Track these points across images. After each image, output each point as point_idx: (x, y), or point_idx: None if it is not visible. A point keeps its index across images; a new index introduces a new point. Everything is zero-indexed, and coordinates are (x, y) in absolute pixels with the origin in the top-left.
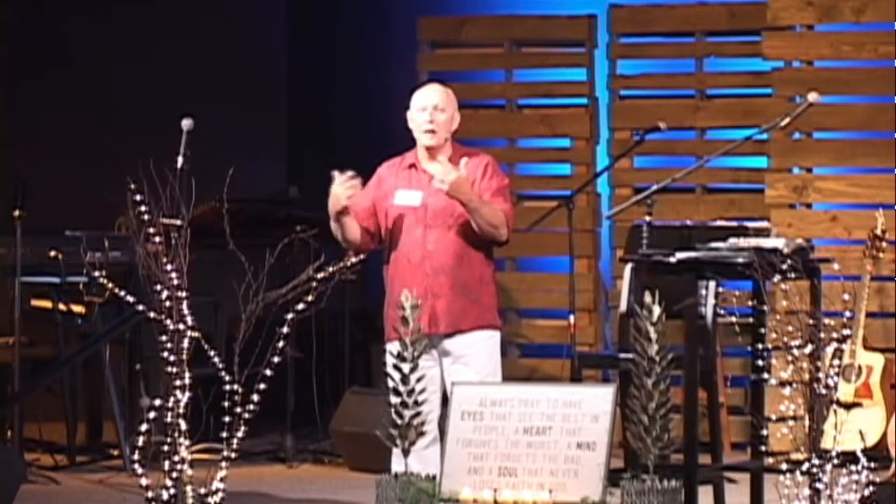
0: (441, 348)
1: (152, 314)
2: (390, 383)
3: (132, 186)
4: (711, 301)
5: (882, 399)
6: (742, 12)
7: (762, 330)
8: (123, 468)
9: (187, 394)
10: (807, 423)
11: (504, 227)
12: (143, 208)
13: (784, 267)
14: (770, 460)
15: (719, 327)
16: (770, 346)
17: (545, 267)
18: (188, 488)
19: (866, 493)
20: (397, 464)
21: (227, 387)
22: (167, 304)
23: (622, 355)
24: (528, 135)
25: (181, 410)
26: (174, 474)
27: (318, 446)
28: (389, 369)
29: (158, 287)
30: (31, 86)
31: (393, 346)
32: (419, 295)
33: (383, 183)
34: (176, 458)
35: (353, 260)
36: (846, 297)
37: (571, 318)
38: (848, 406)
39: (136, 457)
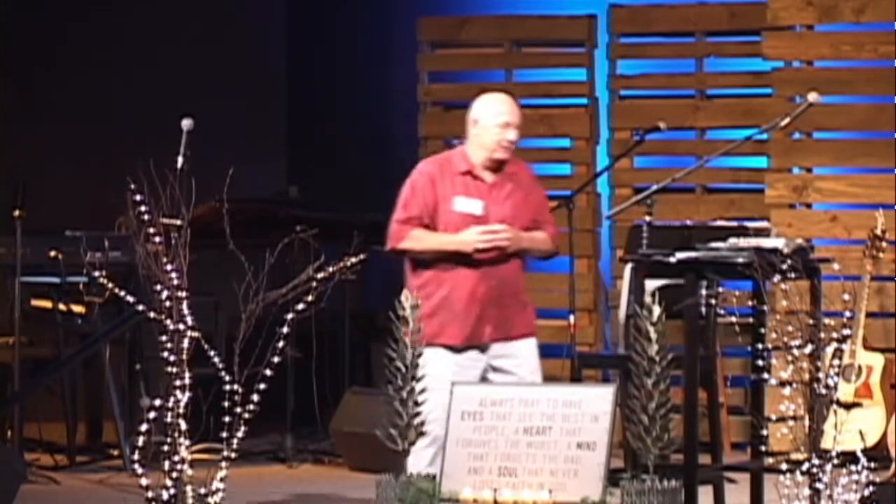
0: (490, 354)
1: (152, 314)
2: (431, 384)
3: (132, 186)
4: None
5: (882, 399)
6: (742, 12)
7: (762, 330)
8: (123, 468)
9: (187, 394)
10: (807, 423)
11: (553, 245)
12: (143, 208)
13: (784, 267)
14: (770, 460)
15: (719, 327)
16: (770, 346)
17: (545, 267)
18: (188, 488)
19: (866, 493)
20: (413, 465)
21: (227, 387)
22: (167, 304)
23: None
24: (528, 135)
25: (181, 410)
26: (174, 474)
27: (318, 446)
28: (435, 370)
29: (158, 287)
30: (30, 86)
31: (436, 351)
32: (479, 303)
33: (437, 186)
34: (176, 458)
35: (353, 260)
36: (846, 297)
37: (571, 318)
38: (848, 406)
39: (136, 457)
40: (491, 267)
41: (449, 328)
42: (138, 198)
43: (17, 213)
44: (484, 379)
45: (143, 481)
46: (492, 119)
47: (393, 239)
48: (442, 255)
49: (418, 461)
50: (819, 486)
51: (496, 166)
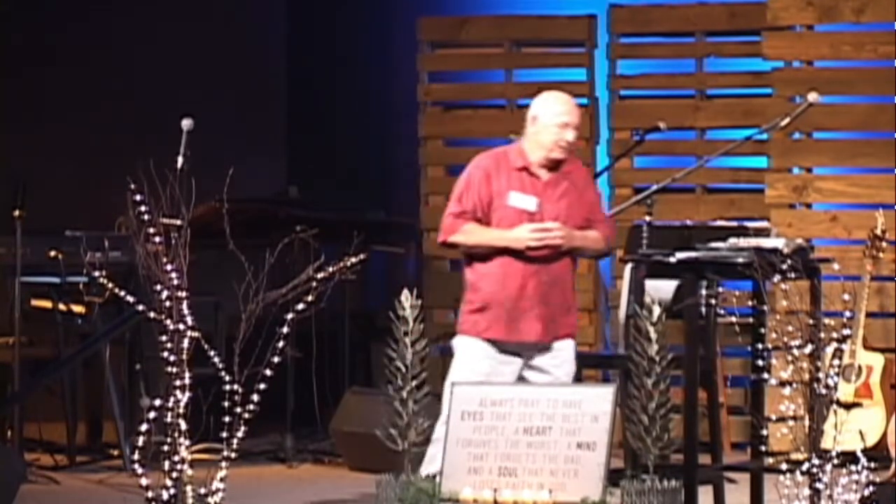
0: (530, 352)
1: (152, 314)
2: (469, 378)
3: (132, 186)
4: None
5: (882, 399)
6: (742, 12)
7: (762, 330)
8: (123, 468)
9: (187, 394)
10: (807, 423)
11: (605, 244)
12: (143, 208)
13: (784, 267)
14: (770, 460)
15: (719, 327)
16: (770, 346)
17: None
18: (188, 488)
19: (866, 493)
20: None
21: (227, 387)
22: (167, 304)
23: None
24: None
25: (181, 410)
26: (174, 474)
27: (318, 446)
28: (474, 364)
29: (158, 287)
30: (31, 86)
31: (478, 343)
32: (528, 300)
33: (492, 181)
34: (176, 458)
35: (353, 260)
36: (846, 297)
37: None
38: (848, 406)
39: (136, 457)
40: (543, 265)
41: (495, 323)
42: (138, 198)
43: (17, 213)
44: (520, 377)
45: (143, 481)
46: (551, 118)
47: (446, 232)
48: (494, 250)
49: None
50: (819, 486)
51: (552, 165)
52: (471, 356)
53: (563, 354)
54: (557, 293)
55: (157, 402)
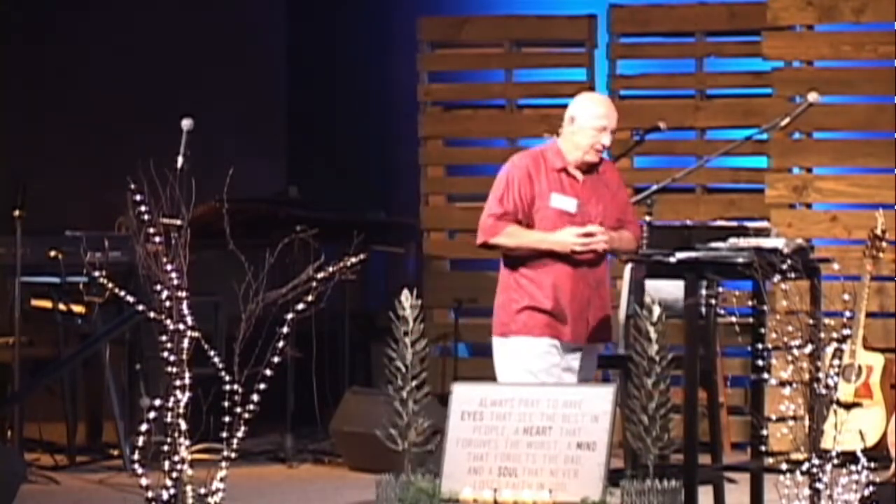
0: (571, 354)
1: (152, 314)
2: (521, 376)
3: (132, 186)
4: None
5: (882, 399)
6: (742, 12)
7: (762, 330)
8: (123, 468)
9: (187, 394)
10: (807, 423)
11: (638, 243)
12: (143, 208)
13: (784, 267)
14: (770, 460)
15: (719, 327)
16: (770, 346)
17: None
18: (188, 488)
19: (866, 493)
20: None
21: (227, 387)
22: (167, 304)
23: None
24: (528, 135)
25: (181, 410)
26: (174, 474)
27: (318, 446)
28: (530, 364)
29: (158, 287)
30: (31, 86)
31: (529, 342)
32: (579, 303)
33: (534, 182)
34: (176, 458)
35: (353, 260)
36: (846, 297)
37: None
38: (848, 406)
39: (136, 457)
40: (589, 268)
41: (543, 323)
42: (138, 198)
43: (17, 213)
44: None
45: (143, 481)
46: (589, 121)
47: (486, 233)
48: (536, 252)
49: None
50: (819, 486)
51: (587, 167)
52: (524, 356)
53: (592, 354)
54: (598, 296)
55: (157, 402)
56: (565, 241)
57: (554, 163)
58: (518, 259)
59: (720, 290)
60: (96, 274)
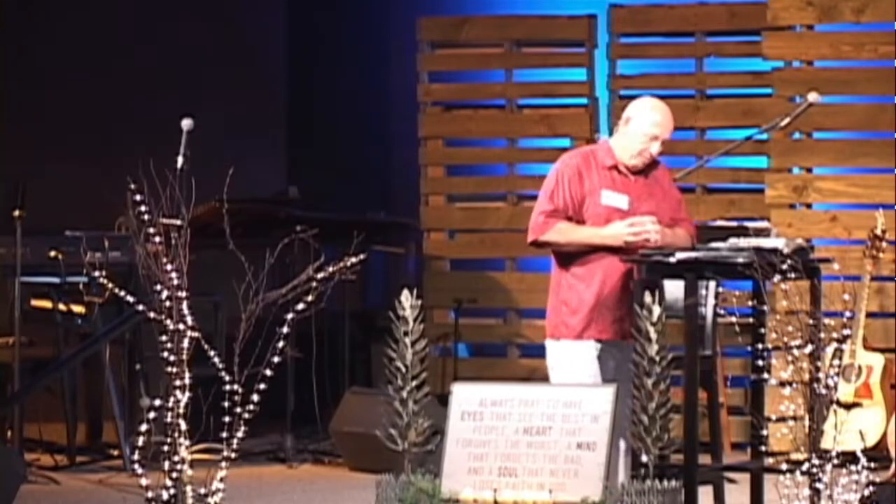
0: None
1: (152, 314)
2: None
3: (132, 186)
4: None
5: (882, 399)
6: (742, 12)
7: (762, 330)
8: (123, 468)
9: (187, 394)
10: (807, 423)
11: (693, 241)
12: (143, 208)
13: (784, 267)
14: (770, 460)
15: (719, 327)
16: (770, 346)
17: (545, 267)
18: (188, 488)
19: (866, 493)
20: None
21: (227, 387)
22: (167, 304)
23: None
24: (528, 135)
25: (181, 410)
26: (174, 474)
27: (318, 446)
28: (585, 367)
29: (158, 287)
30: (30, 86)
31: (583, 346)
32: (627, 301)
33: (584, 179)
34: (176, 458)
35: (353, 260)
36: (846, 297)
37: None
38: (848, 406)
39: (136, 457)
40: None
41: (597, 324)
42: (138, 198)
43: (17, 213)
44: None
45: (143, 481)
46: (643, 126)
47: (536, 231)
48: (585, 248)
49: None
50: (819, 486)
51: (635, 169)
52: (580, 360)
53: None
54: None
55: (157, 402)
56: (617, 233)
57: (605, 160)
58: (568, 257)
59: (720, 290)
60: (96, 274)
